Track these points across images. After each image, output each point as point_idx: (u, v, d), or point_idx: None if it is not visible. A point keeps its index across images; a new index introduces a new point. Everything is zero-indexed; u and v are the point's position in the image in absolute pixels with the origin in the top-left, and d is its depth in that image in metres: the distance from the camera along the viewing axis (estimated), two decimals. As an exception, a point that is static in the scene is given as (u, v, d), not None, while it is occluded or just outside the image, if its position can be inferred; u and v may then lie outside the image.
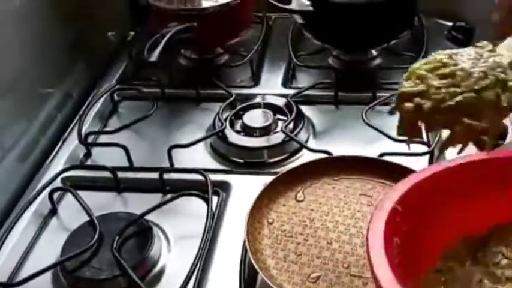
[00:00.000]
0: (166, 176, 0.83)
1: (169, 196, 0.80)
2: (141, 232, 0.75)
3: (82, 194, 0.81)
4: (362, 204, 0.73)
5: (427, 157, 0.82)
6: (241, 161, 0.87)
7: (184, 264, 0.69)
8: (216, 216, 0.78)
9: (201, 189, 0.79)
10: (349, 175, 0.76)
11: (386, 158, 0.79)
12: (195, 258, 0.70)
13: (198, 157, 0.88)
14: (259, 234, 0.70)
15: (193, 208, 0.79)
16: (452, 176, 0.57)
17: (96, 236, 0.72)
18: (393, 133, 0.78)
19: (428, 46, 1.02)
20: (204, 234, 0.73)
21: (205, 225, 0.74)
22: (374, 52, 1.03)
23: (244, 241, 0.68)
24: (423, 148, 0.82)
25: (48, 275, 0.72)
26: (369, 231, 0.50)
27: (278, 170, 0.82)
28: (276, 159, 0.87)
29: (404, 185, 0.55)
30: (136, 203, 0.81)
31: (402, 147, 0.81)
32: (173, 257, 0.74)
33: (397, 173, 0.71)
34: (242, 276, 0.67)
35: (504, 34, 0.62)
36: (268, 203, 0.74)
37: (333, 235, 0.69)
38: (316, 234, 0.69)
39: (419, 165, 0.77)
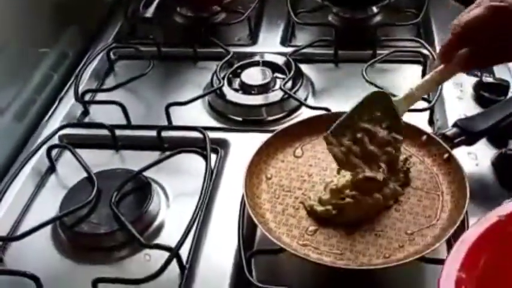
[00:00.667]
0: (164, 133, 0.82)
1: (167, 153, 0.79)
2: (139, 188, 0.74)
3: (80, 152, 0.80)
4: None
5: (427, 113, 0.82)
6: (240, 119, 0.87)
7: (183, 220, 0.69)
8: (214, 174, 0.77)
9: (200, 146, 0.79)
10: None
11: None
12: (194, 213, 0.69)
13: (196, 115, 0.88)
14: (257, 189, 0.70)
15: (192, 166, 0.79)
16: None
17: (94, 191, 0.72)
18: (394, 90, 0.79)
19: (429, 2, 1.00)
20: (202, 190, 0.73)
21: (204, 182, 0.74)
22: (374, 9, 1.02)
23: (243, 196, 0.68)
24: (423, 104, 0.81)
25: (47, 231, 0.72)
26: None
27: (276, 127, 0.80)
28: (274, 117, 0.87)
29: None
30: (134, 161, 0.80)
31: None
32: (172, 213, 0.74)
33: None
34: (241, 231, 0.67)
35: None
36: (266, 159, 0.73)
37: (330, 189, 0.69)
38: (314, 189, 0.69)
39: (420, 121, 0.77)
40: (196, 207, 0.70)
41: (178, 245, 0.65)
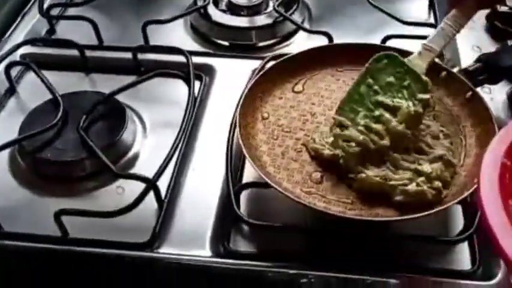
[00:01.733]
0: (140, 56, 0.74)
1: (144, 76, 0.70)
2: (112, 113, 0.66)
3: (45, 73, 0.71)
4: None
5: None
6: (226, 43, 0.78)
7: (162, 152, 0.61)
8: (198, 102, 0.69)
9: (182, 71, 0.71)
10: (355, 66, 0.65)
11: (392, 41, 0.71)
12: (174, 143, 0.61)
13: (176, 37, 0.79)
14: (252, 129, 0.61)
15: (173, 93, 0.71)
16: None
17: (60, 114, 0.63)
18: (399, 15, 0.71)
19: None
20: (184, 118, 0.65)
21: (186, 110, 0.66)
22: None
23: (230, 132, 0.60)
24: (431, 31, 0.73)
25: (4, 157, 0.63)
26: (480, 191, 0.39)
27: (268, 54, 0.73)
28: (266, 42, 0.78)
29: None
30: (106, 85, 0.71)
31: (409, 30, 0.74)
32: (149, 144, 0.66)
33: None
34: (229, 163, 0.59)
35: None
36: (262, 95, 0.64)
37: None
38: (319, 130, 0.61)
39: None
40: (177, 136, 0.62)
41: (156, 175, 0.57)
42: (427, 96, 0.58)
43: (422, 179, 0.54)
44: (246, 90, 0.63)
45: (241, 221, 0.54)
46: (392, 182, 0.54)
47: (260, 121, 0.62)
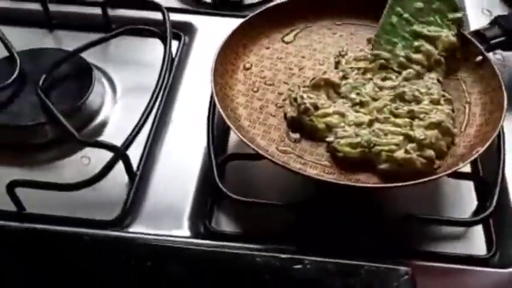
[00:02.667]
0: (111, 11, 0.67)
1: (114, 33, 0.62)
2: (77, 73, 0.58)
3: (3, 29, 0.63)
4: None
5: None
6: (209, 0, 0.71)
7: (134, 118, 0.53)
8: (176, 63, 0.62)
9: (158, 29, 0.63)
10: (355, 19, 0.61)
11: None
12: (146, 108, 0.54)
13: None
14: (231, 78, 0.55)
15: (148, 53, 0.64)
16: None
17: (16, 73, 0.56)
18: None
19: None
20: (159, 80, 0.57)
21: (161, 71, 0.58)
22: None
23: (212, 96, 0.52)
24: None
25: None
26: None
27: (257, 14, 0.65)
28: (253, 0, 0.71)
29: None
30: (72, 43, 0.62)
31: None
32: (120, 109, 0.59)
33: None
34: (210, 132, 0.52)
35: None
36: (247, 43, 0.58)
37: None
38: (305, 85, 0.54)
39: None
40: (150, 100, 0.55)
41: (126, 143, 0.50)
42: (458, 14, 0.57)
43: (412, 145, 0.48)
44: (228, 35, 0.56)
45: (225, 196, 0.47)
46: (377, 147, 0.48)
47: (241, 70, 0.56)
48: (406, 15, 0.57)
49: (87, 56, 0.60)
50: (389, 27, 0.57)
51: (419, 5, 0.57)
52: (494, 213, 0.47)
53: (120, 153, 0.49)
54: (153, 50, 0.63)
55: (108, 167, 0.48)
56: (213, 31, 0.65)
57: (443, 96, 0.53)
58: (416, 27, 0.57)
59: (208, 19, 0.68)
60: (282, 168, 0.46)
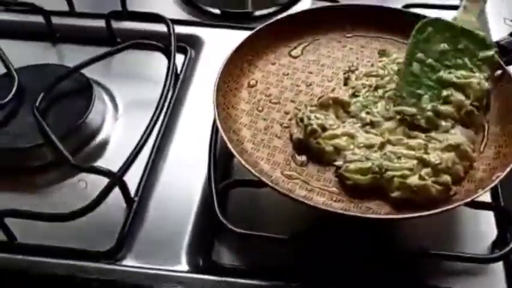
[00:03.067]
0: (115, 24, 0.65)
1: (118, 47, 0.60)
2: (77, 90, 0.57)
3: (5, 43, 0.62)
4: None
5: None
6: (217, 11, 0.70)
7: (136, 138, 0.51)
8: (181, 79, 0.60)
9: (162, 43, 0.61)
10: (366, 32, 0.58)
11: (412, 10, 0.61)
12: (146, 129, 0.52)
13: (159, 5, 0.70)
14: (234, 96, 0.53)
15: (152, 68, 0.62)
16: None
17: (14, 91, 0.54)
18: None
19: None
20: (161, 98, 0.55)
21: (164, 87, 0.56)
22: None
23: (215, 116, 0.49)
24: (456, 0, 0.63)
25: None
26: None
27: (265, 25, 0.63)
28: (263, 11, 0.69)
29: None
30: (76, 57, 0.61)
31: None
32: (121, 128, 0.57)
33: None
34: (212, 156, 0.49)
35: None
36: (252, 58, 0.55)
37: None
38: (313, 103, 0.52)
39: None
40: (151, 120, 0.53)
41: (123, 168, 0.47)
42: (490, 52, 0.51)
43: (427, 170, 0.45)
44: (233, 50, 0.54)
45: (225, 228, 0.44)
46: (389, 173, 0.45)
47: (245, 88, 0.54)
48: (429, 60, 0.51)
49: (88, 70, 0.58)
50: (411, 78, 0.51)
51: (444, 46, 0.51)
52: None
53: (116, 179, 0.47)
54: (158, 64, 0.61)
55: (104, 194, 0.46)
56: (220, 44, 0.63)
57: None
58: (443, 74, 0.51)
59: (216, 31, 0.66)
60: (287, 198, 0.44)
